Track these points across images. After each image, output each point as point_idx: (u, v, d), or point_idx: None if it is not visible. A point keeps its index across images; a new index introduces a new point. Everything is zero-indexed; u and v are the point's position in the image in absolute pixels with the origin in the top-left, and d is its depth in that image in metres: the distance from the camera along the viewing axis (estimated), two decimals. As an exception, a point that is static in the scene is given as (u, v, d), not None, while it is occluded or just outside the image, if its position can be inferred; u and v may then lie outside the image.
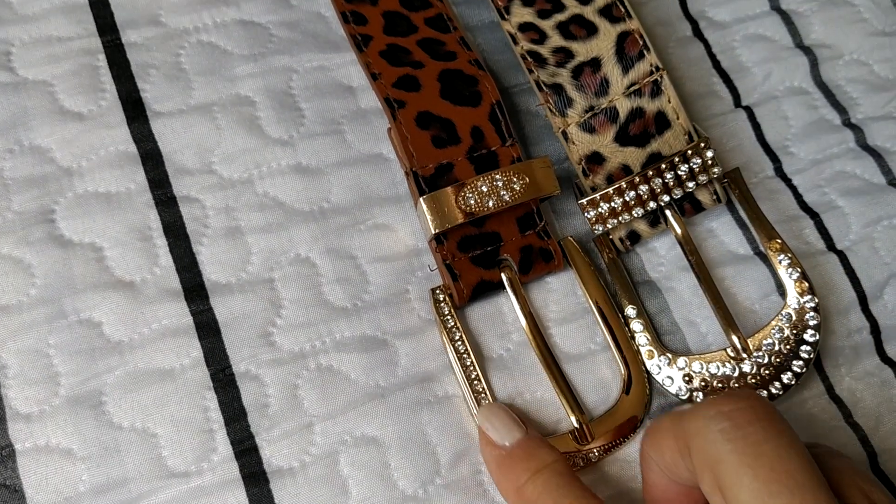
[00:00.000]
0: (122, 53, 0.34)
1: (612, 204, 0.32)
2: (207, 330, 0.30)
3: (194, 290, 0.31)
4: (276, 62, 0.35)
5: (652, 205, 0.33)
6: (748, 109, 0.37)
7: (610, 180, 0.33)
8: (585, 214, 0.33)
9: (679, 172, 0.32)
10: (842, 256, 0.34)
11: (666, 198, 0.33)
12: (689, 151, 0.32)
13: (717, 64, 0.38)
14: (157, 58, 0.34)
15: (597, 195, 0.32)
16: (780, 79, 0.37)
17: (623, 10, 0.33)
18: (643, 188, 0.32)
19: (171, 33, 0.35)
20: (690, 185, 0.33)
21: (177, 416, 0.29)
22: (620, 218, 0.33)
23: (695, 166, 0.32)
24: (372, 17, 0.35)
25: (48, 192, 0.32)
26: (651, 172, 0.32)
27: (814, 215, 0.35)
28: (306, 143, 0.34)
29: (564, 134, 0.33)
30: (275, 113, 0.34)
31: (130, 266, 0.31)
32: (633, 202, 0.32)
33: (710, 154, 0.33)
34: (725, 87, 0.37)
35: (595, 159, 0.33)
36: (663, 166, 0.32)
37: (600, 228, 0.33)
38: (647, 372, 0.31)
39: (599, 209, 0.32)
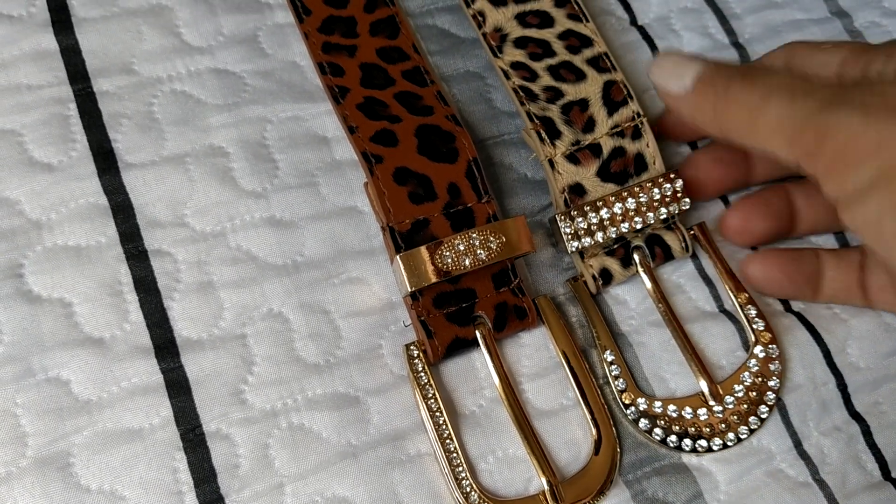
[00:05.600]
0: (94, 102, 0.34)
1: (590, 220, 0.33)
2: (178, 388, 0.30)
3: (165, 346, 0.31)
4: (251, 112, 0.35)
5: (625, 227, 0.33)
6: None
7: None
8: (563, 227, 0.33)
9: (652, 195, 0.34)
10: (801, 317, 0.34)
11: (639, 220, 0.33)
12: (661, 178, 0.34)
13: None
14: (129, 107, 0.34)
15: (573, 210, 0.33)
16: None
17: (609, 62, 0.35)
18: (618, 207, 0.33)
19: (143, 82, 0.34)
20: (662, 211, 0.34)
21: (145, 477, 0.29)
22: (595, 237, 0.33)
23: (666, 193, 0.34)
24: (349, 68, 0.35)
25: (17, 245, 0.31)
26: (625, 193, 0.34)
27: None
28: (280, 196, 0.33)
29: (551, 163, 0.33)
30: (248, 164, 0.34)
31: (100, 322, 0.31)
32: (607, 221, 0.33)
33: (679, 183, 0.34)
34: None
35: (577, 190, 0.33)
36: (637, 188, 0.34)
37: (575, 245, 0.33)
38: (616, 430, 0.32)
39: (577, 224, 0.33)
